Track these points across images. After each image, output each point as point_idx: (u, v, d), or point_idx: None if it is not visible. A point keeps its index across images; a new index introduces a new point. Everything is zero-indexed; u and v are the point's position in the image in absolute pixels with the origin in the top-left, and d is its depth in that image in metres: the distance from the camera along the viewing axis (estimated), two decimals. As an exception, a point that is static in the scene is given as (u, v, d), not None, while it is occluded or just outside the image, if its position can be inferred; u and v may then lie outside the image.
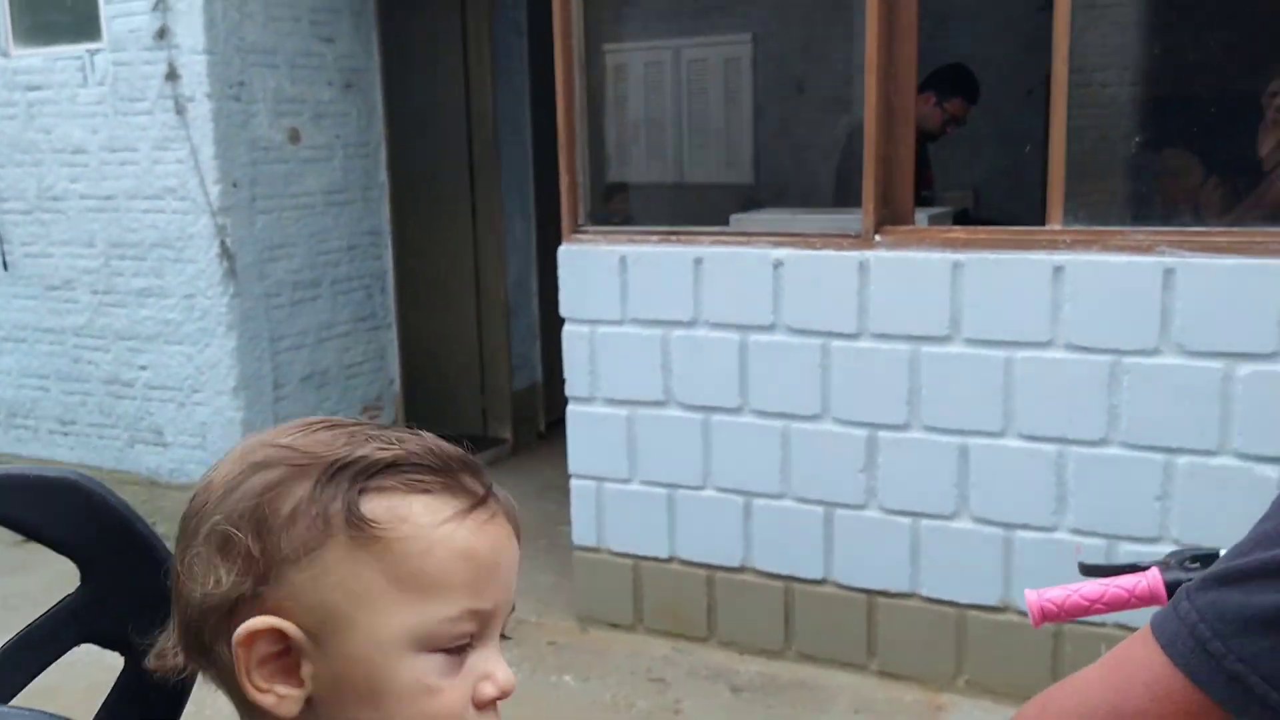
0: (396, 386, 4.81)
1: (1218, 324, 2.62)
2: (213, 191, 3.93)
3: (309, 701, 0.67)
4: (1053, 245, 2.79)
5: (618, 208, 4.18)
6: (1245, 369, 2.61)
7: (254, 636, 0.65)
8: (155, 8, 3.86)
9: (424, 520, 0.67)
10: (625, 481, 3.45)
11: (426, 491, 0.68)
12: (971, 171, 5.93)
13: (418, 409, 5.41)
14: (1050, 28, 2.77)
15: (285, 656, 0.66)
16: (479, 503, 0.70)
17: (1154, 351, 2.71)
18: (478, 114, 5.31)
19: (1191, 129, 4.49)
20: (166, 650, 0.71)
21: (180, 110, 3.90)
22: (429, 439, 0.72)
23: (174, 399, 4.23)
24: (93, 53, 4.05)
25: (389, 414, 4.77)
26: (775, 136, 7.01)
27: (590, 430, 3.46)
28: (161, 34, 3.87)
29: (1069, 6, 2.71)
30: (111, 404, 4.38)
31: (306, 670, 0.66)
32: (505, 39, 5.28)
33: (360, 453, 0.68)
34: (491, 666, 0.70)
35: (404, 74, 5.16)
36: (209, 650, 0.68)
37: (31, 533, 0.82)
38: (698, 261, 3.20)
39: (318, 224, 4.32)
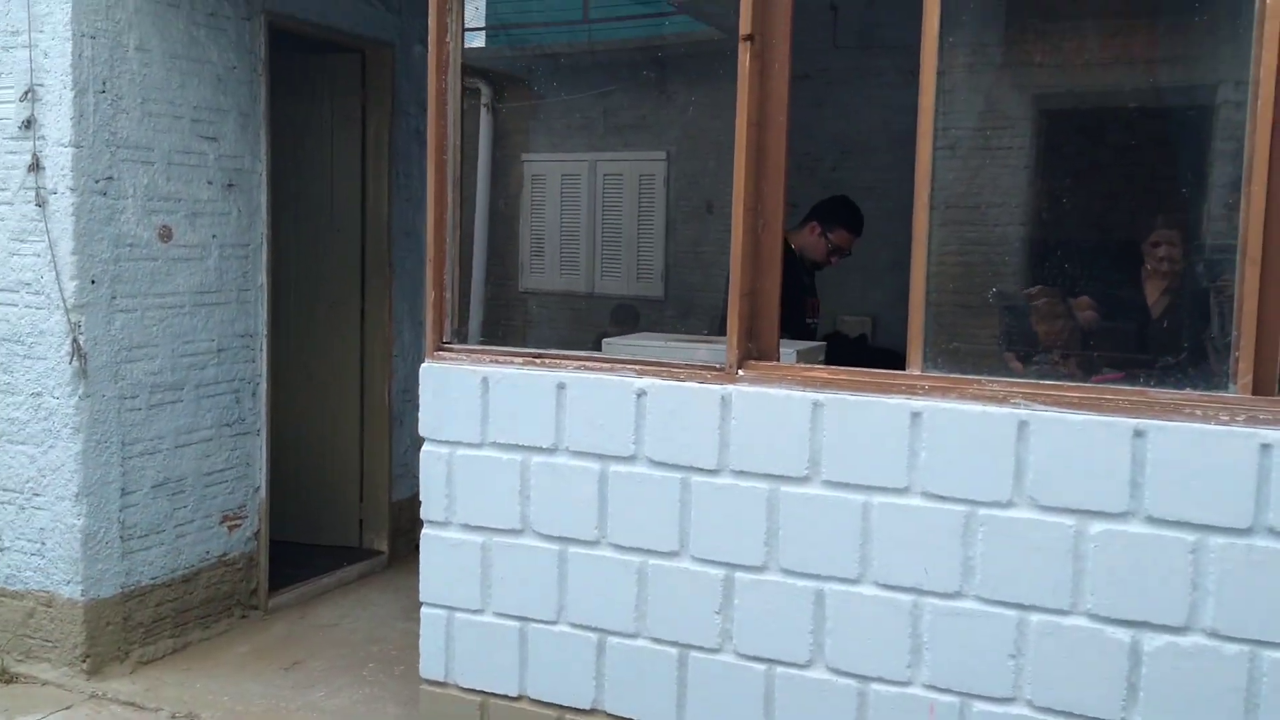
0: (262, 494, 4.59)
1: (1070, 479, 2.59)
2: (68, 287, 3.76)
3: None
4: (911, 391, 2.76)
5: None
6: (1097, 527, 2.58)
7: None
8: (24, 98, 3.73)
9: None
10: (477, 612, 3.28)
11: None
12: (871, 298, 5.99)
13: (289, 518, 5.19)
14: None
15: None
16: None
17: (1008, 504, 2.66)
18: (373, 219, 5.24)
19: (1075, 273, 4.59)
20: None
21: (41, 203, 3.75)
22: None
23: (15, 501, 3.98)
24: (-44, 138, 3.90)
25: (252, 523, 4.55)
26: (685, 254, 7.07)
27: (444, 556, 3.31)
28: (28, 125, 3.74)
29: (930, 153, 2.73)
30: (-52, 502, 4.10)
31: None
32: (405, 145, 5.25)
33: None
34: None
35: (295, 176, 5.08)
36: None
37: None
38: (560, 386, 3.12)
39: (184, 324, 4.16)
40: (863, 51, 5.92)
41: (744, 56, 2.86)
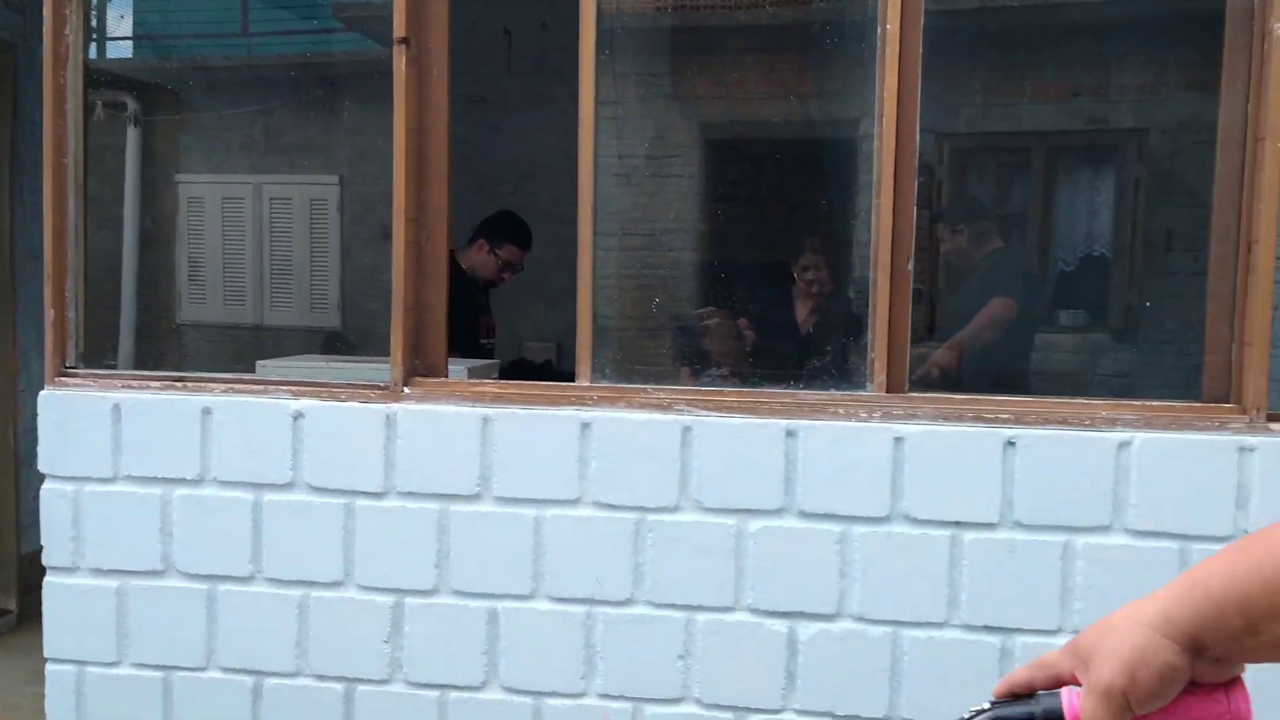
0: None
1: (731, 481, 2.67)
2: None
3: None
4: (581, 401, 2.75)
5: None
6: (756, 524, 2.67)
7: None
8: None
9: None
10: (113, 664, 2.94)
11: None
12: (554, 323, 6.02)
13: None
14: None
15: None
16: None
17: (675, 508, 2.71)
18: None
19: (740, 295, 4.82)
20: None
21: None
22: None
23: None
24: None
25: None
26: (363, 281, 6.80)
27: (71, 605, 2.94)
28: None
29: (591, 169, 2.75)
30: None
31: None
32: (32, 158, 4.71)
33: None
34: None
35: None
36: None
37: None
38: (206, 411, 2.86)
39: None
40: (538, 76, 5.97)
41: (399, 61, 2.76)
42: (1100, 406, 2.59)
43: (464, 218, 3.98)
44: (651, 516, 2.72)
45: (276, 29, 7.18)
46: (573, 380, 2.80)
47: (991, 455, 2.57)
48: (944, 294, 5.29)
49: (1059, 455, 2.55)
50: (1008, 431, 2.57)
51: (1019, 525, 2.57)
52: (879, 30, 2.63)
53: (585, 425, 2.73)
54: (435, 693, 2.82)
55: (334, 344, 6.30)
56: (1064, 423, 2.56)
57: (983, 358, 3.93)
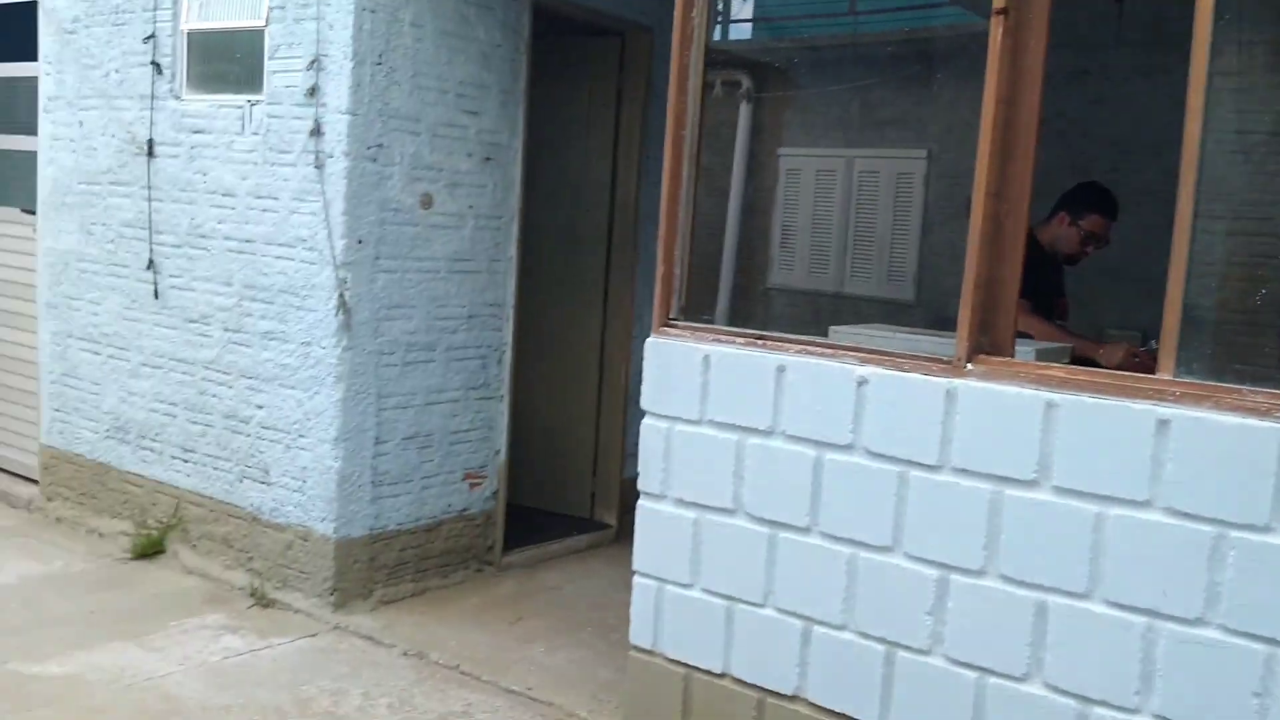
0: (502, 457, 4.81)
1: (1342, 508, 2.31)
2: (338, 245, 4.07)
3: None
4: (1159, 396, 2.54)
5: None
6: (1371, 564, 2.28)
7: None
8: (310, 67, 4.07)
9: None
10: (686, 586, 3.30)
11: None
12: (1145, 312, 5.57)
13: (522, 482, 5.41)
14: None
15: None
16: None
17: (1265, 528, 2.40)
18: (621, 199, 5.36)
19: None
20: None
21: (319, 165, 4.07)
22: None
23: (282, 440, 4.36)
24: (252, 103, 4.30)
25: (492, 483, 4.78)
26: (940, 257, 6.81)
27: (657, 528, 3.34)
28: (312, 92, 4.07)
29: (1197, 144, 2.50)
30: (228, 438, 4.54)
31: None
32: (658, 130, 5.33)
33: None
34: None
35: (548, 152, 5.27)
36: None
37: None
38: (780, 369, 3.07)
39: (439, 289, 4.41)
40: (1151, 47, 5.49)
41: (995, 32, 2.71)
42: None
43: (1048, 195, 3.82)
44: (1234, 533, 2.44)
45: (882, 6, 7.34)
46: (1152, 374, 2.58)
47: None
48: None
49: None
50: None
51: None
52: None
53: (1163, 422, 2.51)
54: (974, 674, 2.80)
55: (905, 315, 6.38)
56: None
57: None
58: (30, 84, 5.27)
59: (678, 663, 3.34)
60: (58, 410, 5.26)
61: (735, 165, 7.25)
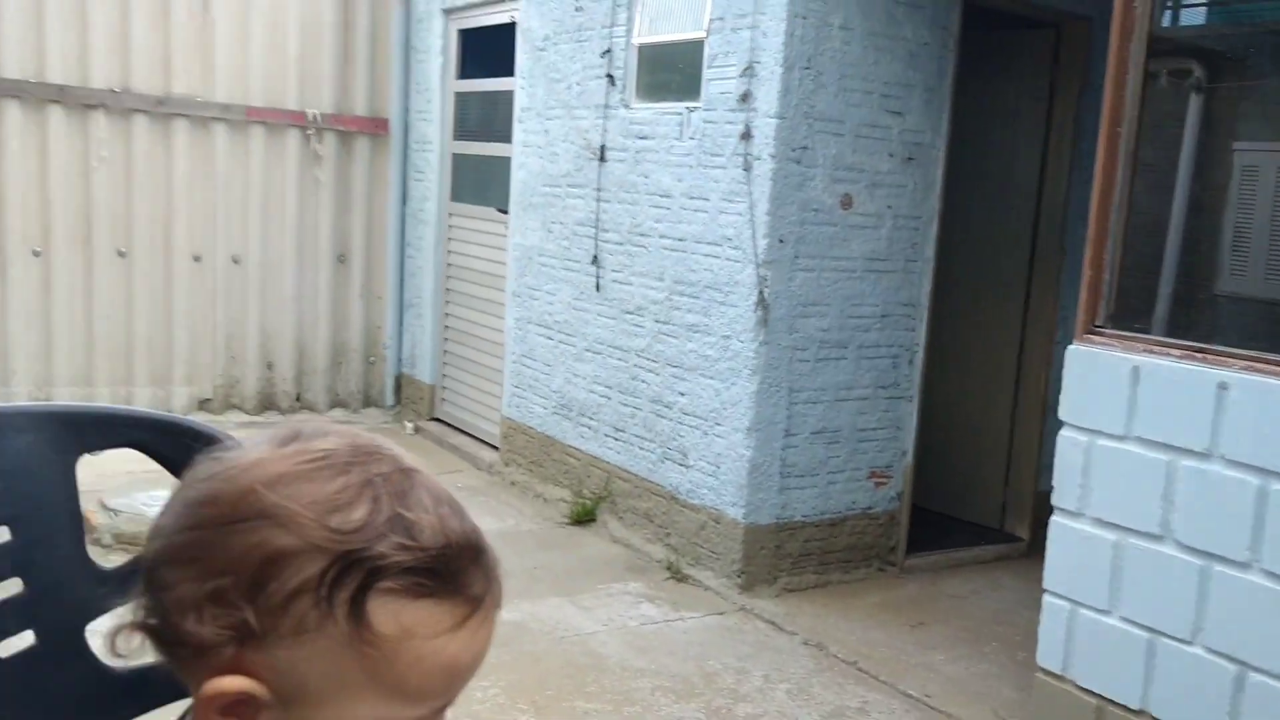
0: (909, 458, 4.79)
1: None
2: (761, 244, 4.25)
3: None
4: None
5: None
6: None
7: (223, 695, 0.66)
8: (743, 74, 4.27)
9: (421, 632, 0.67)
10: (1103, 612, 3.12)
11: (430, 597, 0.67)
12: None
13: (929, 485, 5.34)
14: None
15: (246, 705, 0.67)
16: (476, 608, 0.70)
17: None
18: (1049, 198, 5.12)
19: None
20: (128, 631, 0.70)
21: (747, 167, 4.27)
22: (446, 514, 0.70)
23: (700, 427, 4.63)
24: (690, 110, 4.59)
25: (897, 483, 4.77)
26: None
27: (1072, 547, 3.19)
28: (744, 98, 4.27)
29: None
30: (653, 421, 4.90)
31: (265, 719, 0.67)
32: (1093, 126, 5.02)
33: (377, 549, 0.66)
34: None
35: (971, 150, 5.13)
36: (170, 647, 0.69)
37: (167, 465, 0.96)
38: (1222, 387, 2.81)
39: (854, 288, 4.47)
40: None
41: None
42: None
43: None
44: None
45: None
46: None
47: None
48: None
49: None
50: None
51: None
52: None
53: None
54: None
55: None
56: None
57: None
58: (507, 97, 5.97)
59: (1090, 692, 3.17)
60: (516, 387, 5.93)
61: (1181, 162, 6.62)
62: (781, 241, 4.27)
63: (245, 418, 6.60)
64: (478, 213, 6.39)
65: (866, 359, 4.57)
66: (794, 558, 4.55)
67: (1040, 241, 5.15)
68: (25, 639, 0.90)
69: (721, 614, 4.30)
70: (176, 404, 6.41)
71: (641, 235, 4.91)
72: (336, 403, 7.00)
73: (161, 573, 0.68)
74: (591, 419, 5.32)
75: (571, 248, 5.39)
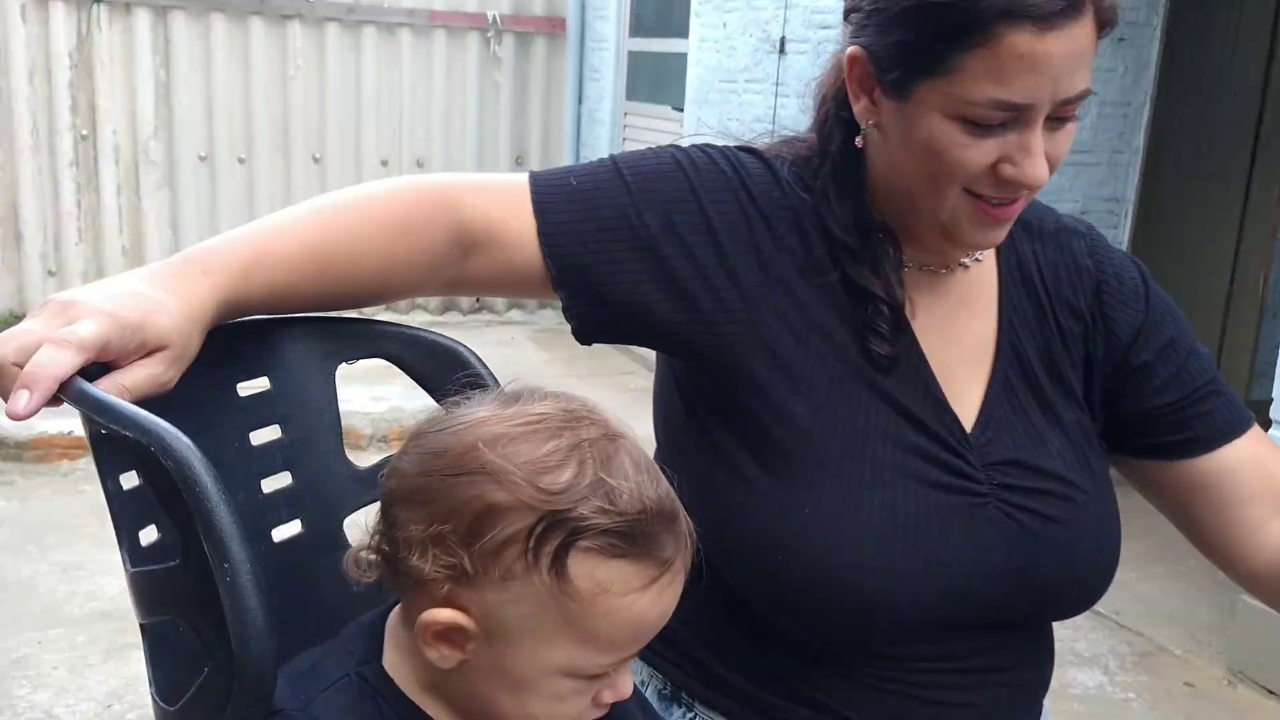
0: (1107, 365, 4.54)
1: None
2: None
3: (463, 662, 0.77)
4: None
5: None
6: None
7: (437, 623, 0.76)
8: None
9: (614, 589, 0.74)
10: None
11: (624, 557, 0.74)
12: None
13: (1128, 394, 5.04)
14: None
15: (457, 633, 0.76)
16: (666, 569, 0.76)
17: None
18: (1276, 84, 4.65)
19: None
20: (366, 553, 0.80)
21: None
22: (644, 481, 0.76)
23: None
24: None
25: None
26: None
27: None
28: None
29: None
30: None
31: (471, 647, 0.76)
32: (1337, -2, 4.52)
33: (580, 510, 0.73)
34: (619, 679, 0.79)
35: (1191, 31, 4.69)
36: (397, 574, 0.78)
37: (424, 383, 1.01)
38: None
39: (1052, 183, 4.17)
40: None
41: None
42: None
43: None
44: None
45: None
46: None
47: None
48: None
49: None
50: None
51: None
52: None
53: None
54: None
55: None
56: None
57: None
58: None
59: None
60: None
61: None
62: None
63: (429, 318, 6.83)
64: (653, 111, 6.30)
65: (1063, 259, 4.31)
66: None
67: (1265, 133, 4.71)
68: (294, 527, 0.98)
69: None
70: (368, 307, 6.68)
71: (818, 132, 4.73)
72: (513, 304, 7.15)
73: (395, 510, 0.77)
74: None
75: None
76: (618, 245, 0.96)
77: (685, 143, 1.02)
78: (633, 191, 0.97)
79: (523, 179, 1.00)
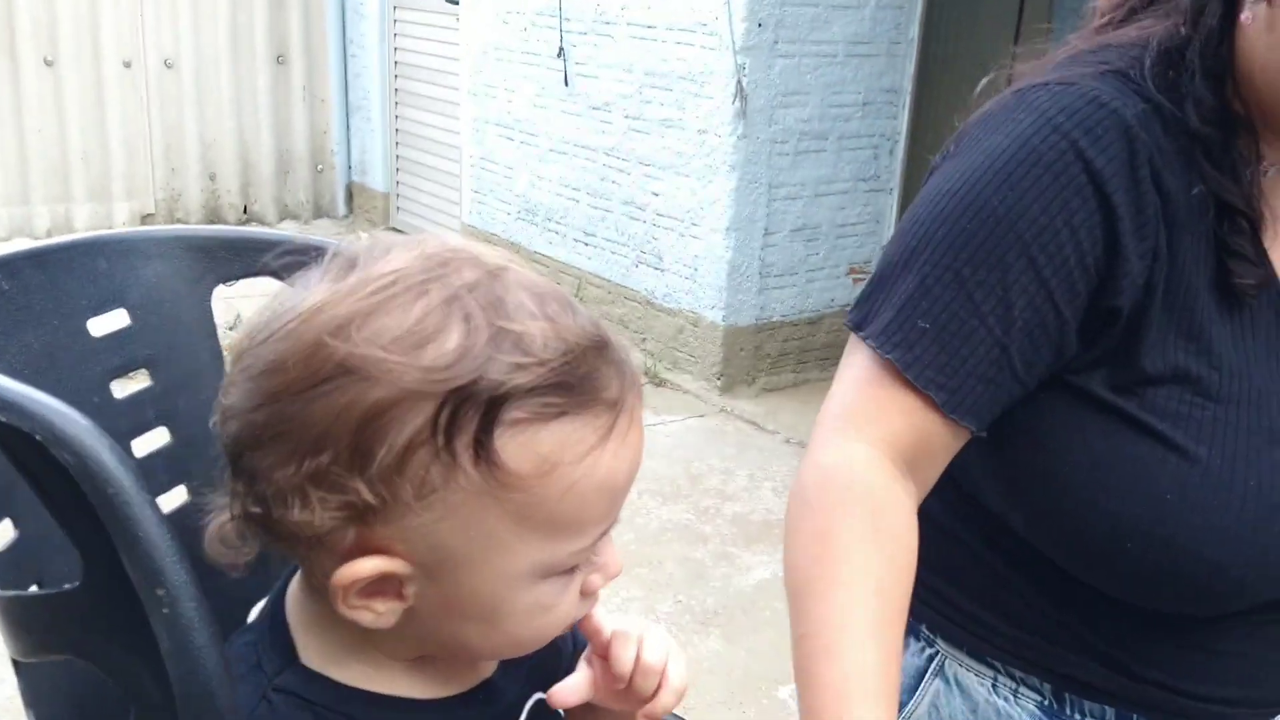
0: (888, 253, 4.68)
1: None
2: (738, 30, 3.98)
3: (408, 610, 0.61)
4: None
5: None
6: None
7: (357, 580, 0.58)
8: None
9: (564, 458, 0.57)
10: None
11: (564, 415, 0.57)
12: None
13: (908, 280, 5.25)
14: None
15: (388, 581, 0.59)
16: (619, 411, 0.59)
17: None
18: (1036, -28, 4.84)
19: None
20: (229, 532, 0.62)
21: (722, -56, 3.95)
22: (555, 313, 0.58)
23: (675, 228, 4.47)
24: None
25: (875, 279, 4.68)
26: None
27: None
28: None
29: None
30: (626, 224, 4.73)
31: (411, 590, 0.60)
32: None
33: (490, 375, 0.55)
34: (604, 558, 0.64)
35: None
36: (281, 540, 0.60)
37: None
38: None
39: (835, 75, 4.23)
40: None
41: None
42: None
43: None
44: None
45: None
46: None
47: None
48: None
49: None
50: None
51: None
52: None
53: None
54: None
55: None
56: None
57: None
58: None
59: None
60: (476, 192, 5.69)
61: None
62: (760, 25, 3.99)
63: (195, 234, 6.32)
64: (425, 4, 5.96)
65: (847, 150, 4.39)
66: (773, 358, 4.49)
67: (1025, 18, 4.91)
68: (178, 495, 0.81)
69: (702, 416, 4.27)
70: (118, 220, 6.12)
71: (608, 24, 4.59)
72: (286, 214, 6.72)
73: (247, 460, 0.58)
74: (559, 223, 5.13)
75: (530, 39, 5.06)
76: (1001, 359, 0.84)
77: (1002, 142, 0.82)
78: (981, 309, 0.82)
79: (866, 354, 0.85)
